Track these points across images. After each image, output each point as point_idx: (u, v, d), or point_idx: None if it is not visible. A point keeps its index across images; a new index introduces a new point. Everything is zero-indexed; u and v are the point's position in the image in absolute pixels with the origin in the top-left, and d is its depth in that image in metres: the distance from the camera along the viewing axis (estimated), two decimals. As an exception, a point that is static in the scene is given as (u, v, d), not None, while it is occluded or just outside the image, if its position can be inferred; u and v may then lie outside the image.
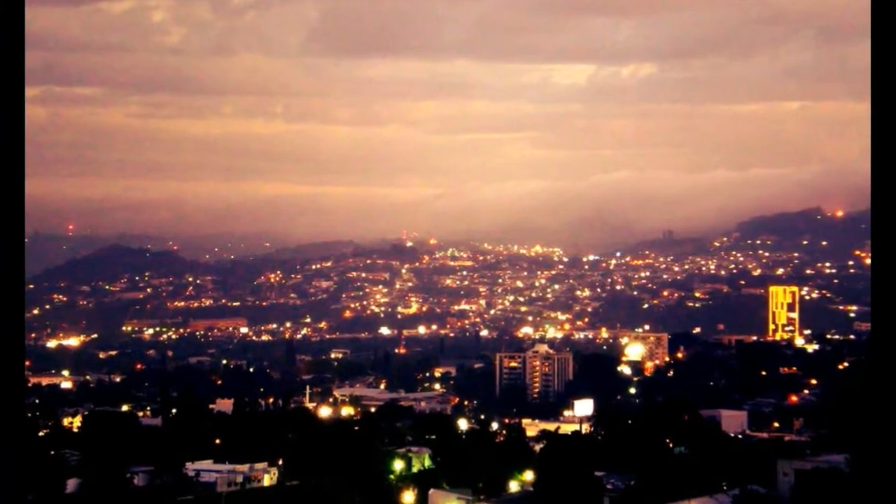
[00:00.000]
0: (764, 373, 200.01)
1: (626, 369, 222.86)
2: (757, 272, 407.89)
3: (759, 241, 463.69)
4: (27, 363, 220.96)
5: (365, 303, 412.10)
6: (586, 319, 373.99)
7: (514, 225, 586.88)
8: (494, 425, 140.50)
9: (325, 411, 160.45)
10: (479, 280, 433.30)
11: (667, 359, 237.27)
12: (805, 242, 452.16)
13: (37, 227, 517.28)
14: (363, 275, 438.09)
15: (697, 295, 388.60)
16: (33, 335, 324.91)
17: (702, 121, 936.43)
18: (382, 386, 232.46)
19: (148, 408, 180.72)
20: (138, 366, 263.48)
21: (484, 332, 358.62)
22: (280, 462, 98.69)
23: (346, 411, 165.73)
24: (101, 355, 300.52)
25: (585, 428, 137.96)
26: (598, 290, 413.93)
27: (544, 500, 79.33)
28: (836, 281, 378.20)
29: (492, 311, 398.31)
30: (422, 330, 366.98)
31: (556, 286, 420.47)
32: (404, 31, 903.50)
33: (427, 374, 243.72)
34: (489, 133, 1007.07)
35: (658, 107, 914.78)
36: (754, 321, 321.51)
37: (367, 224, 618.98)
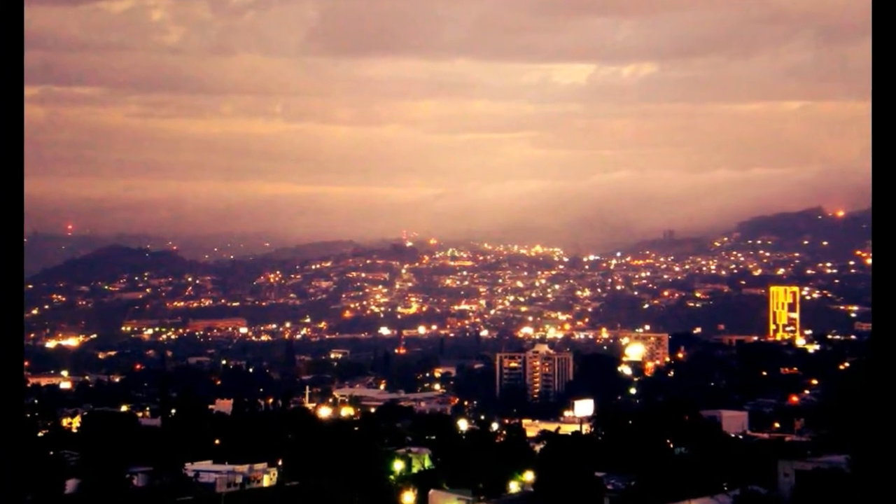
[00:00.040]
0: (765, 373, 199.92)
1: (626, 369, 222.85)
2: (758, 272, 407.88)
3: (759, 241, 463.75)
4: (26, 363, 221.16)
5: (365, 303, 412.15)
6: (587, 319, 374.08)
7: (514, 225, 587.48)
8: (494, 426, 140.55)
9: (324, 412, 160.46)
10: (479, 280, 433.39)
11: (667, 359, 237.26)
12: (806, 242, 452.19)
13: (36, 226, 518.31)
14: (363, 275, 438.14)
15: (698, 295, 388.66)
16: (32, 335, 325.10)
17: (702, 120, 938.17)
18: (382, 386, 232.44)
19: (147, 408, 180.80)
20: (137, 366, 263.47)
21: (484, 333, 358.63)
22: (280, 462, 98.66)
23: (346, 412, 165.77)
24: (101, 355, 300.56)
25: (586, 428, 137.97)
26: (599, 290, 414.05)
27: (544, 500, 79.30)
28: (836, 281, 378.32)
29: (492, 312, 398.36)
30: (422, 330, 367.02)
31: (557, 286, 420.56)
32: (404, 30, 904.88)
33: (427, 375, 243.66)
34: (489, 133, 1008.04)
35: (658, 106, 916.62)
36: (755, 321, 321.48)
37: (367, 224, 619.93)
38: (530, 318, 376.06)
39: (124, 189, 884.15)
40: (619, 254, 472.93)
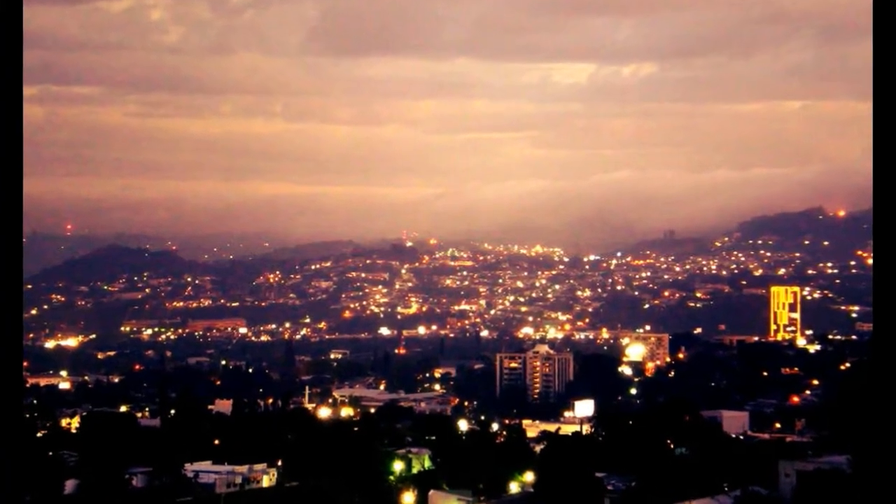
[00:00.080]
0: (765, 373, 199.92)
1: (626, 370, 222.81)
2: (758, 272, 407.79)
3: (760, 241, 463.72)
4: (25, 364, 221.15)
5: (365, 303, 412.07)
6: (587, 320, 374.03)
7: (515, 225, 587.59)
8: (495, 426, 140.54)
9: (324, 412, 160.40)
10: (479, 280, 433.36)
11: (668, 359, 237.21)
12: (807, 242, 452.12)
13: (34, 226, 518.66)
14: (363, 275, 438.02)
15: (698, 295, 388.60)
16: (31, 336, 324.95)
17: (703, 120, 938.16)
18: (382, 386, 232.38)
19: (146, 408, 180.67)
20: (137, 366, 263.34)
21: (484, 333, 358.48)
22: (279, 463, 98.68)
23: (346, 412, 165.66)
24: (100, 356, 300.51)
25: (586, 429, 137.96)
26: (599, 290, 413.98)
27: (545, 501, 79.31)
28: (837, 281, 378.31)
29: (492, 312, 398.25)
30: (422, 330, 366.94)
31: (557, 286, 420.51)
32: (404, 30, 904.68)
33: (427, 375, 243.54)
34: (489, 133, 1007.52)
35: (659, 106, 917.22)
36: (756, 321, 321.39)
37: (367, 224, 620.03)
38: (530, 319, 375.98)
39: (123, 189, 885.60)
40: (619, 254, 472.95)
